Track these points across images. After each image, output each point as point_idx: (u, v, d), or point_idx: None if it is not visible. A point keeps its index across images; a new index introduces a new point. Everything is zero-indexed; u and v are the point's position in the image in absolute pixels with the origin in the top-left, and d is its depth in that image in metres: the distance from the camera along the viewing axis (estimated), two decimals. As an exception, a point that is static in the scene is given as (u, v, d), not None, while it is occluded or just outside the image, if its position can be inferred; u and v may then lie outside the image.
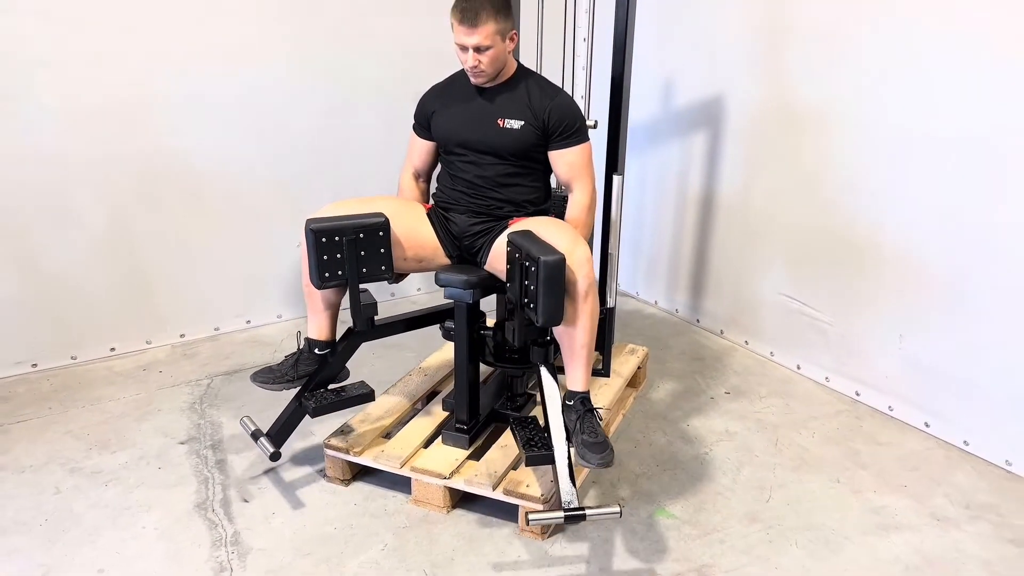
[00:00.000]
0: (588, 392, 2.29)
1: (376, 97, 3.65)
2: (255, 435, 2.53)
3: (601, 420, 2.28)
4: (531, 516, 2.15)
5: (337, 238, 2.29)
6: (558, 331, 2.25)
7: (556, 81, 2.85)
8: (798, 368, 3.35)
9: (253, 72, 3.38)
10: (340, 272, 2.33)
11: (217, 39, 3.27)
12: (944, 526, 2.43)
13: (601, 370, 2.73)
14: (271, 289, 3.70)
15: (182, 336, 3.53)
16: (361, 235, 2.32)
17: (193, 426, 2.88)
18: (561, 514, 2.13)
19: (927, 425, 2.91)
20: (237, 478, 2.59)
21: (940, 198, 2.74)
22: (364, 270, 2.36)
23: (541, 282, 2.07)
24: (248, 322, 3.68)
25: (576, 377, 2.28)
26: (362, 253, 2.34)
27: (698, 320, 3.81)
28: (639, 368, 3.14)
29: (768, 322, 3.46)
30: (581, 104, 2.88)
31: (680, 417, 3.00)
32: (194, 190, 3.39)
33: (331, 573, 2.19)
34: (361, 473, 2.60)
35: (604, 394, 2.85)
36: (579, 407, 2.25)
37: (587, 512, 2.13)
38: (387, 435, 2.64)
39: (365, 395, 2.53)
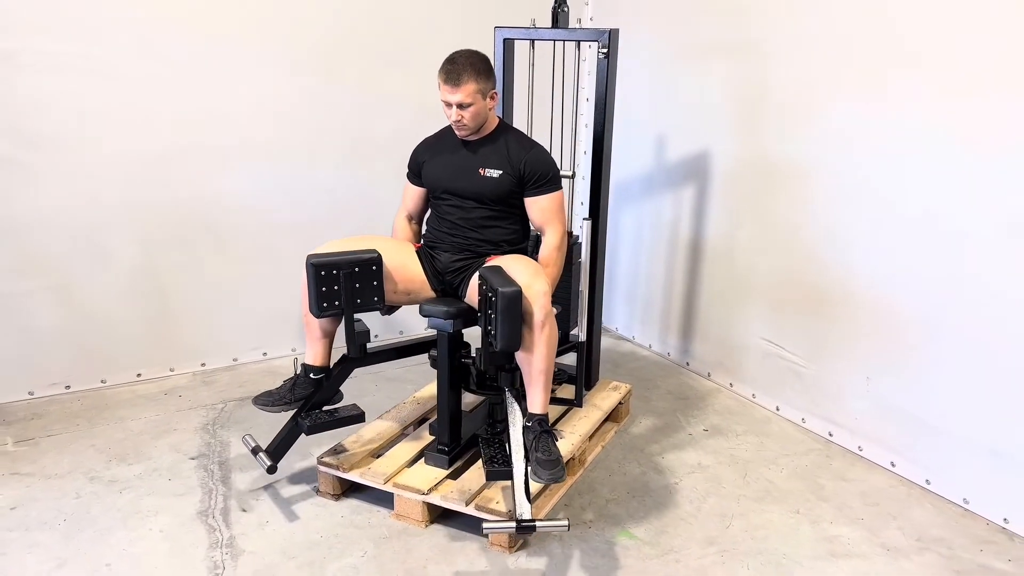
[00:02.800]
0: (546, 414, 2.51)
1: (388, 148, 3.96)
2: (255, 451, 2.77)
3: (558, 439, 2.48)
4: (485, 526, 2.35)
5: (335, 271, 2.56)
6: (519, 357, 2.48)
7: (546, 133, 3.14)
8: (777, 410, 3.51)
9: (275, 124, 3.72)
10: (337, 303, 2.59)
11: (242, 95, 3.62)
12: (893, 556, 2.56)
13: (575, 400, 2.94)
14: (286, 324, 3.98)
15: (203, 365, 3.82)
16: (356, 269, 2.58)
17: (204, 444, 3.14)
18: (513, 524, 2.34)
19: (893, 464, 3.05)
20: (238, 491, 2.83)
21: (904, 250, 2.92)
22: (358, 301, 2.61)
23: (499, 311, 2.31)
24: (264, 354, 3.97)
25: (535, 400, 2.50)
26: (357, 285, 2.60)
27: (688, 363, 3.99)
28: (620, 404, 3.33)
29: (751, 365, 3.63)
30: (568, 155, 3.15)
31: (656, 450, 3.18)
32: (218, 232, 3.71)
33: (312, 575, 2.40)
34: (351, 490, 2.82)
35: (581, 425, 3.05)
36: (536, 428, 2.47)
37: (537, 524, 2.33)
38: (377, 455, 2.86)
39: (355, 416, 2.77)
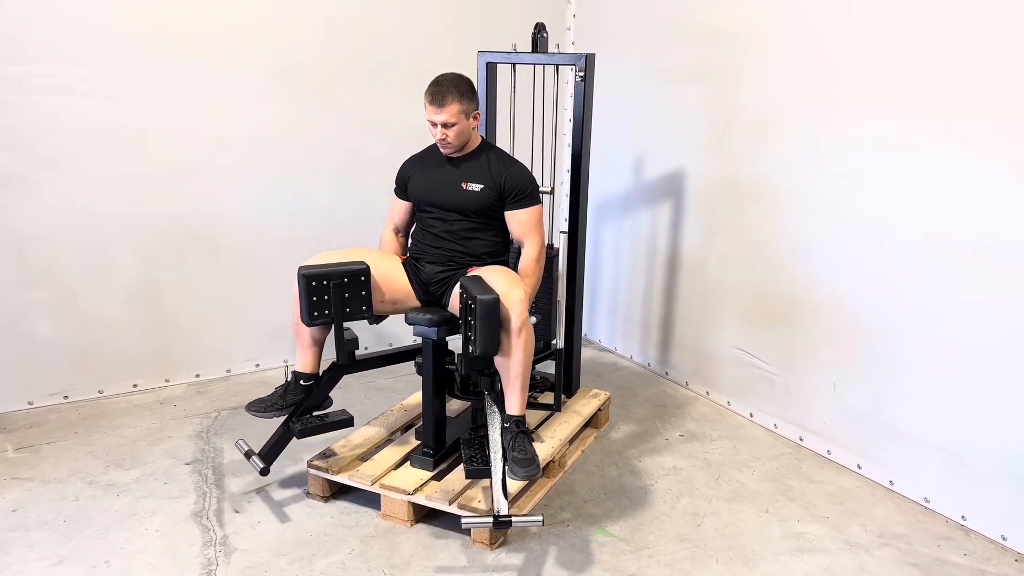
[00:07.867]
0: (523, 416, 2.65)
1: (380, 167, 4.07)
2: (248, 454, 2.88)
3: (534, 440, 2.62)
4: (464, 520, 2.48)
5: (325, 282, 2.69)
6: (497, 362, 2.62)
7: (526, 151, 3.29)
8: (751, 416, 3.65)
9: (272, 145, 3.88)
10: (327, 312, 2.72)
11: (240, 117, 3.77)
12: (855, 550, 2.69)
13: (553, 405, 3.08)
14: (279, 336, 4.10)
15: (197, 376, 3.95)
16: (345, 280, 2.72)
17: (198, 450, 3.26)
18: (490, 519, 2.47)
19: (859, 467, 3.18)
20: (232, 494, 2.95)
21: (866, 261, 3.07)
22: (347, 310, 2.75)
23: (478, 317, 2.45)
24: (257, 365, 4.09)
25: (512, 402, 2.64)
26: (346, 295, 2.73)
27: (667, 373, 4.13)
28: (600, 410, 3.47)
29: (725, 374, 3.77)
30: (547, 172, 3.31)
31: (634, 455, 3.31)
32: (215, 247, 3.85)
33: (302, 571, 2.52)
34: (340, 492, 2.94)
35: (561, 430, 3.18)
36: (513, 428, 2.61)
37: (513, 519, 2.46)
38: (364, 459, 2.99)
39: (345, 421, 2.90)
